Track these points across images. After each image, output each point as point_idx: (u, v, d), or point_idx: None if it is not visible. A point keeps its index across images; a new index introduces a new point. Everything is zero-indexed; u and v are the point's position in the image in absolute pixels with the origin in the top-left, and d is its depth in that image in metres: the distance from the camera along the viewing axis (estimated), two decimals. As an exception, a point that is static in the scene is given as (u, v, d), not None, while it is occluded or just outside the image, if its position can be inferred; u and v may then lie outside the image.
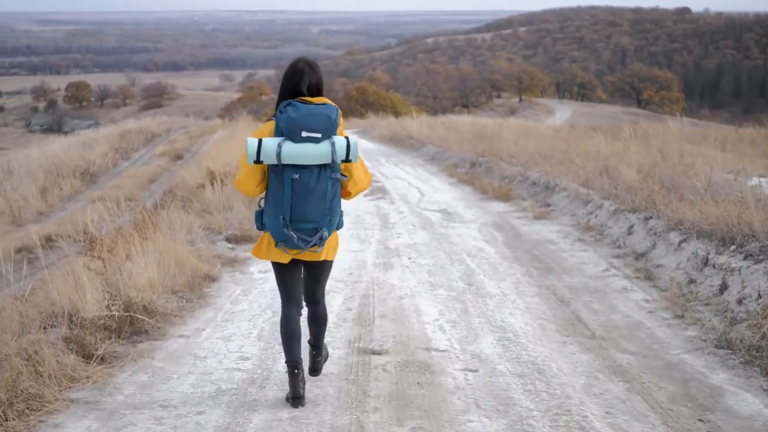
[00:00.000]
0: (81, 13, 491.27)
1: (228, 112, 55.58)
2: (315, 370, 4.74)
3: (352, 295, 6.97)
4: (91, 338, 5.29)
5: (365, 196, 13.47)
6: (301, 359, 4.45)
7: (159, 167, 20.46)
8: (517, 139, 18.22)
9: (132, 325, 5.85)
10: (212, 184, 12.23)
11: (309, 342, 4.68)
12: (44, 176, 18.25)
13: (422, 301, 6.72)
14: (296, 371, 4.43)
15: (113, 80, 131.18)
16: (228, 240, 9.94)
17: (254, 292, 7.26)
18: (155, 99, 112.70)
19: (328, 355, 4.84)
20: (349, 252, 8.92)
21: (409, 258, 8.56)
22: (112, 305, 5.86)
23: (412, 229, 10.35)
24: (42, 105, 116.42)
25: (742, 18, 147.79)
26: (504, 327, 5.97)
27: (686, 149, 14.06)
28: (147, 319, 5.98)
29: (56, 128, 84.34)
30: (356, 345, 5.50)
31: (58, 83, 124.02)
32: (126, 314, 5.85)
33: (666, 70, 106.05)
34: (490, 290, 7.12)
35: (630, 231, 9.03)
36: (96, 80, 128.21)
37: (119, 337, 5.63)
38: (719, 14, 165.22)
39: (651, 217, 8.86)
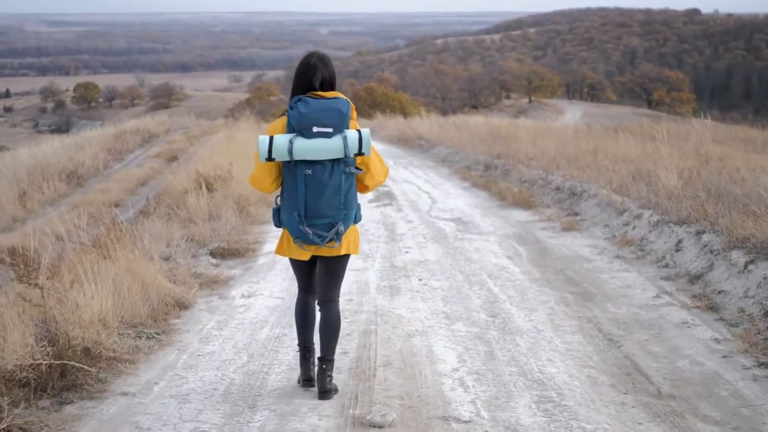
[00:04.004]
0: (90, 14, 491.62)
1: (232, 112, 54.45)
2: (325, 391, 4.38)
3: (350, 331, 5.65)
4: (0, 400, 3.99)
5: (370, 202, 12.21)
6: (313, 344, 4.46)
7: (152, 169, 19.16)
8: (534, 139, 16.87)
9: (64, 378, 4.55)
10: (199, 189, 10.92)
11: (318, 358, 4.41)
12: (28, 178, 16.99)
13: (437, 341, 5.40)
14: (308, 355, 4.46)
15: (122, 81, 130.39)
16: (212, 254, 8.66)
17: (231, 324, 5.95)
18: (163, 100, 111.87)
19: (337, 389, 4.48)
20: (350, 271, 7.54)
21: (420, 279, 7.25)
22: (40, 351, 4.57)
23: (422, 242, 9.04)
24: (50, 106, 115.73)
25: (753, 19, 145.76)
26: (543, 381, 4.64)
27: (722, 152, 12.73)
28: (86, 368, 4.67)
29: (64, 129, 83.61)
30: (351, 412, 4.16)
31: (67, 84, 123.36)
32: (57, 362, 4.56)
33: (676, 70, 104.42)
34: (520, 324, 5.80)
35: (678, 247, 7.69)
36: (105, 81, 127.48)
37: (42, 396, 4.33)
38: (729, 15, 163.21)
39: (704, 231, 7.52)
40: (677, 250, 7.63)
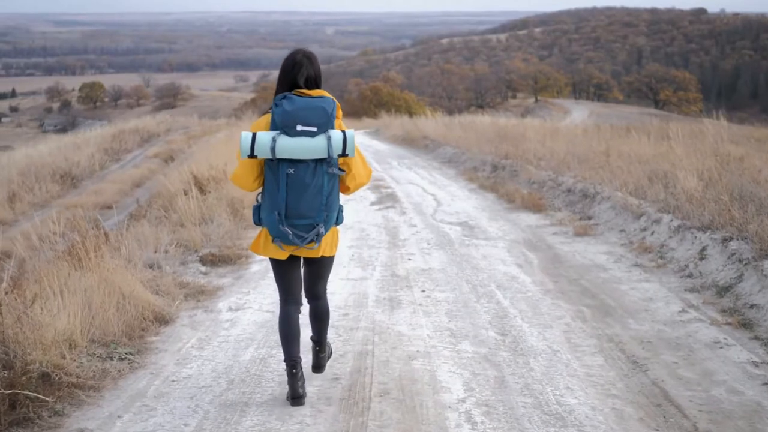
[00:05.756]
0: (96, 14, 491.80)
1: (236, 112, 54.04)
2: (318, 367, 4.52)
3: (343, 351, 5.07)
4: (-67, 441, 3.44)
5: (372, 204, 11.66)
6: (299, 358, 4.24)
7: (148, 170, 18.59)
8: (544, 139, 16.27)
9: (14, 410, 3.99)
10: (191, 191, 10.37)
11: (312, 338, 4.47)
12: (19, 179, 16.46)
13: (440, 365, 4.81)
14: (294, 371, 4.21)
15: (128, 81, 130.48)
16: (202, 261, 8.10)
17: (214, 343, 5.38)
18: (169, 99, 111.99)
19: (331, 352, 4.67)
20: (347, 281, 7.05)
21: (423, 291, 6.67)
22: (-11, 378, 4.01)
23: (426, 249, 8.46)
24: (56, 105, 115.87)
25: (760, 18, 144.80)
26: (562, 414, 4.06)
27: (740, 152, 12.16)
28: (41, 397, 4.11)
29: (70, 128, 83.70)
30: (339, 456, 3.61)
31: (73, 84, 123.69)
32: (8, 392, 4.00)
33: (683, 70, 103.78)
34: (533, 344, 5.21)
35: (702, 255, 7.10)
36: (111, 81, 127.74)
37: (-15, 433, 3.78)
38: (736, 15, 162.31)
39: (731, 238, 6.94)
40: (701, 259, 7.05)
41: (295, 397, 4.20)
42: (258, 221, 4.17)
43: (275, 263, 4.27)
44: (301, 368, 4.22)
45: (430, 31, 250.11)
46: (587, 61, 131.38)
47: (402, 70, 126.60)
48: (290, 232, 4.01)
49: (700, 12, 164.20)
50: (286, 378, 4.30)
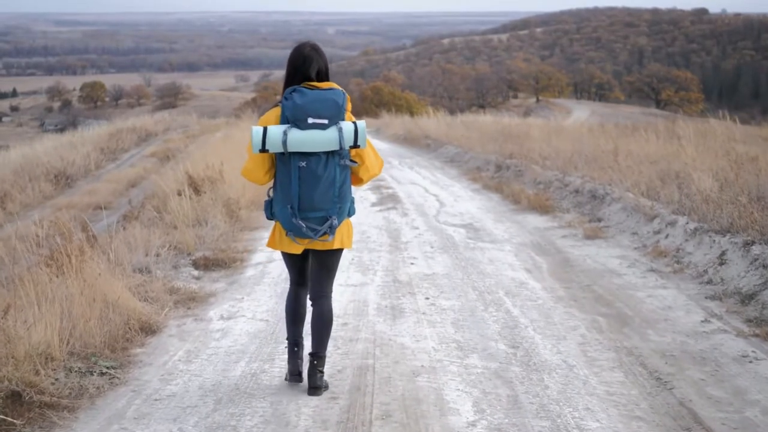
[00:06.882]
0: (97, 14, 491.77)
1: (237, 112, 53.73)
2: (315, 388, 4.23)
3: (342, 366, 4.68)
4: None
5: (373, 205, 11.28)
6: (302, 337, 4.34)
7: (144, 170, 18.20)
8: (549, 138, 15.88)
9: (-24, 435, 3.62)
10: (185, 191, 9.99)
11: (310, 354, 4.28)
12: (12, 179, 16.09)
13: (447, 382, 4.41)
14: (296, 349, 4.32)
15: (129, 81, 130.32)
16: (195, 265, 7.73)
17: (203, 356, 5.00)
18: (170, 99, 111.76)
19: (327, 386, 4.33)
20: (347, 287, 6.67)
21: (427, 298, 6.28)
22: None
23: (429, 252, 8.07)
24: (57, 105, 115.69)
25: (761, 19, 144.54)
26: (583, 440, 3.68)
27: (753, 152, 11.77)
28: (9, 419, 3.73)
29: (70, 128, 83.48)
30: (335, 492, 3.22)
31: (74, 84, 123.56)
32: (-30, 415, 3.63)
33: (684, 70, 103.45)
34: (547, 358, 4.82)
35: (722, 260, 6.71)
36: (111, 81, 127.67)
37: (-59, 463, 3.40)
38: (737, 15, 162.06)
39: (752, 242, 6.56)
40: (721, 264, 6.66)
41: (296, 374, 4.30)
42: (270, 216, 4.16)
43: (288, 256, 4.29)
44: (303, 347, 4.34)
45: (431, 30, 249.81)
46: (588, 61, 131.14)
47: (403, 69, 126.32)
48: (304, 225, 4.01)
49: (702, 12, 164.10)
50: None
